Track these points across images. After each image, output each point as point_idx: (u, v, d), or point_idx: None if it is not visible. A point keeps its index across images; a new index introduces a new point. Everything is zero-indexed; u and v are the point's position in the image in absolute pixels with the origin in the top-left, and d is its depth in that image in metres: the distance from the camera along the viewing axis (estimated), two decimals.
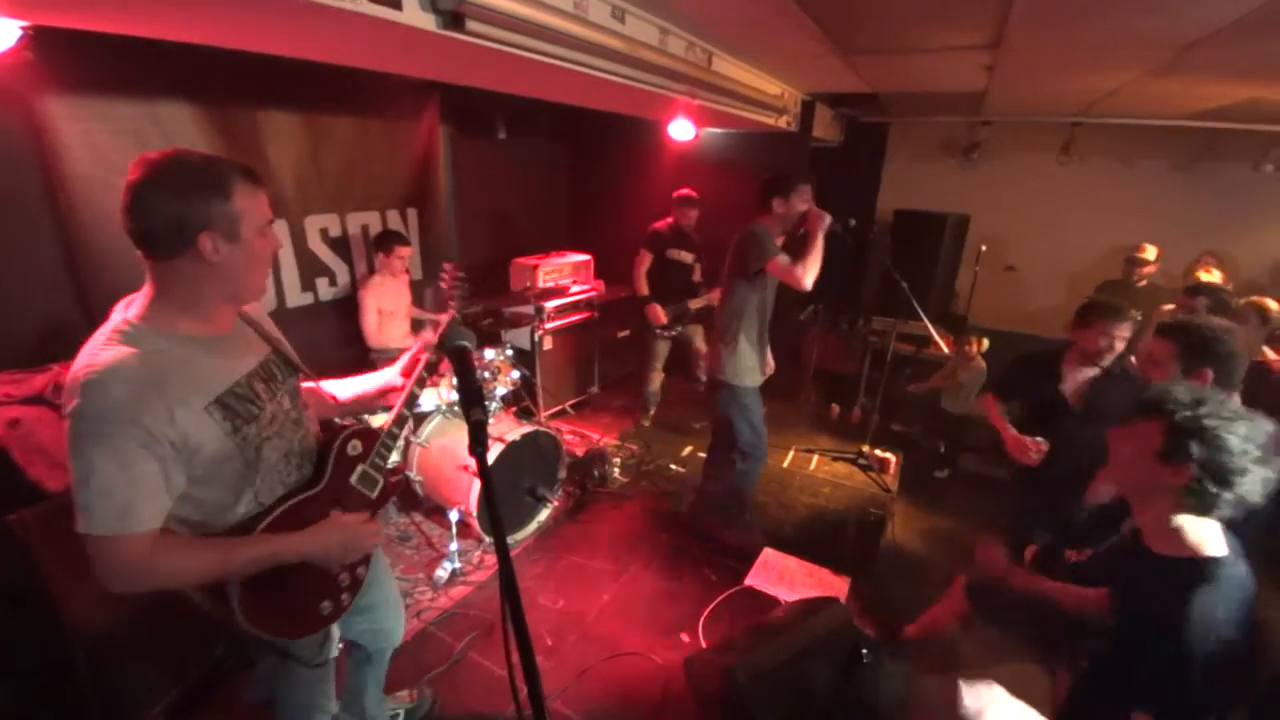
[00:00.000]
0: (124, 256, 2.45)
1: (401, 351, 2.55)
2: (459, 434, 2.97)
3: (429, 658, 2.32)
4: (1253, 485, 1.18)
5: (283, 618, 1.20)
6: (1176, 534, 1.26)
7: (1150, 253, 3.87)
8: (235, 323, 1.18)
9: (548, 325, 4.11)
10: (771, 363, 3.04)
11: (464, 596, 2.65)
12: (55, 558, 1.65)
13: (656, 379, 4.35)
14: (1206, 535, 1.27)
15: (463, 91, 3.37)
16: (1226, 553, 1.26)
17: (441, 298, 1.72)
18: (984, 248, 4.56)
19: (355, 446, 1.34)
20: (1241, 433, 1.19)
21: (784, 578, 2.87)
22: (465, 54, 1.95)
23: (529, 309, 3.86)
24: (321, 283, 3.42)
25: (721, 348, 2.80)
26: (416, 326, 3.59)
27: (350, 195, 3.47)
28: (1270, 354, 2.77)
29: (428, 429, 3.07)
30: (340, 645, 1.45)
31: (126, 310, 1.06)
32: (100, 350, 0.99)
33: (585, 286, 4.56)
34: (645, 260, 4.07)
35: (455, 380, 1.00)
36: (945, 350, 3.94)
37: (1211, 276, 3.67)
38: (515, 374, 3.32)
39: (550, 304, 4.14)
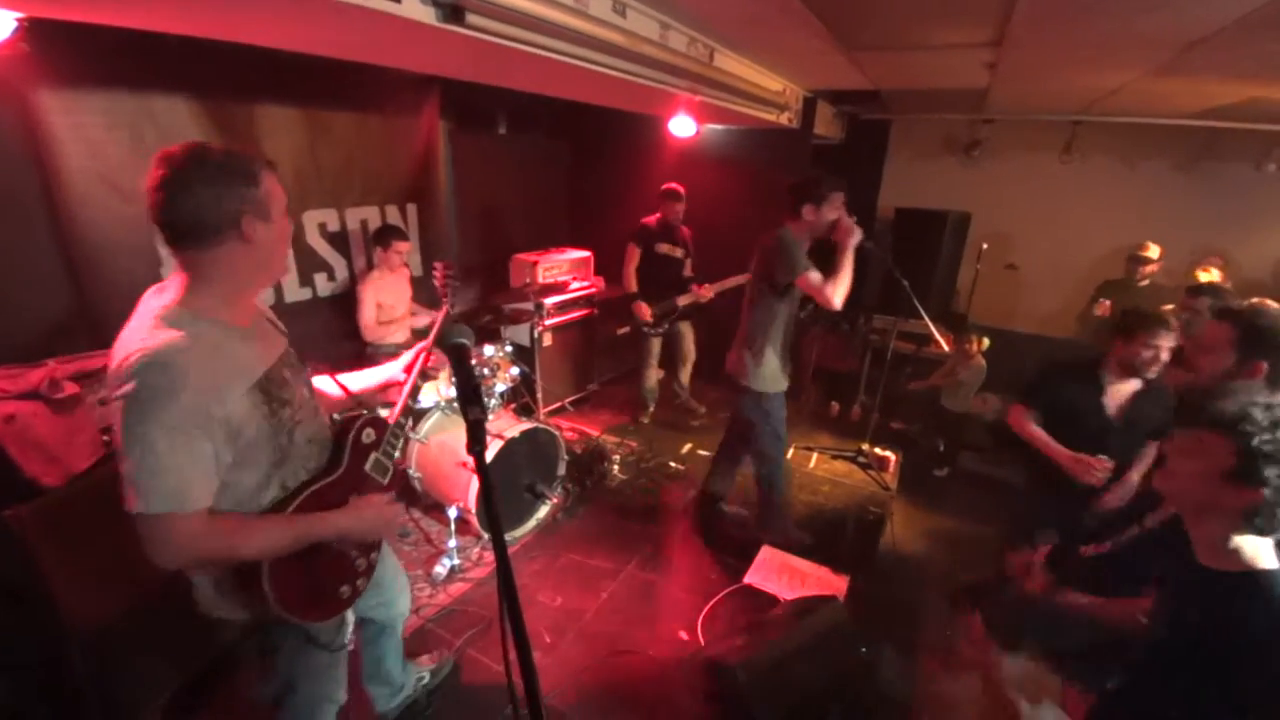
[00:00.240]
0: (120, 250, 2.46)
1: (399, 348, 2.58)
2: (458, 430, 2.96)
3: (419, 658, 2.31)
4: None
5: (306, 601, 1.23)
6: (1235, 553, 1.21)
7: (1153, 251, 3.86)
8: (255, 315, 1.23)
9: (547, 322, 4.10)
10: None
11: (463, 593, 2.65)
12: (52, 554, 1.65)
13: (653, 375, 4.34)
14: (1262, 550, 1.22)
15: (462, 86, 3.35)
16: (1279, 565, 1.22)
17: (435, 296, 1.76)
18: (985, 246, 4.55)
19: (369, 434, 1.39)
20: None
21: (783, 576, 2.87)
22: (465, 48, 1.93)
23: (528, 305, 3.85)
24: (320, 278, 3.40)
25: (747, 354, 2.74)
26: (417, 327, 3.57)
27: (349, 190, 3.45)
28: None
29: (427, 425, 3.06)
30: (352, 636, 1.49)
31: (161, 296, 1.08)
32: (149, 334, 1.01)
33: (585, 283, 4.55)
34: (634, 256, 4.05)
35: (453, 378, 1.00)
36: (945, 348, 3.93)
37: (1210, 276, 3.67)
38: (514, 370, 3.31)
39: (550, 300, 4.13)
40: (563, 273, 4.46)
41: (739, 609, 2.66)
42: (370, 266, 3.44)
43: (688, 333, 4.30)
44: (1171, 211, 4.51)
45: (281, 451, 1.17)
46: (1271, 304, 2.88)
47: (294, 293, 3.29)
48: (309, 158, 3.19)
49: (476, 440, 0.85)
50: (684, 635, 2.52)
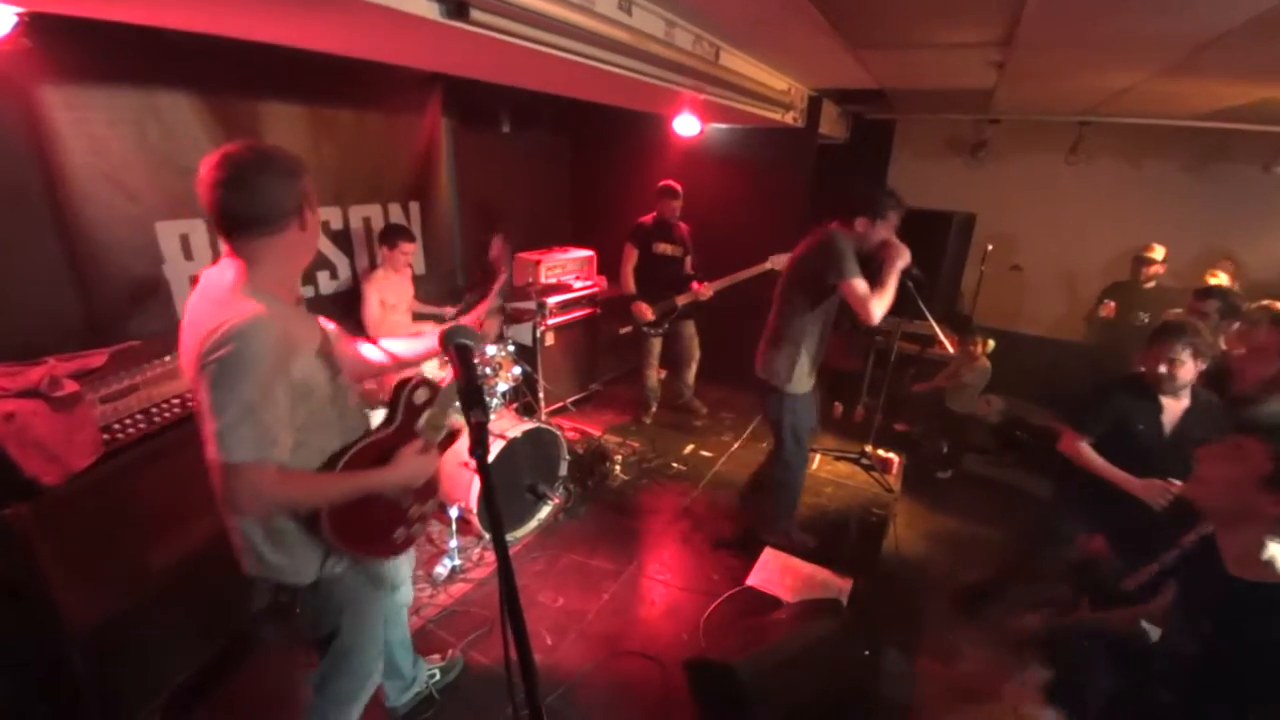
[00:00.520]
0: (122, 248, 2.45)
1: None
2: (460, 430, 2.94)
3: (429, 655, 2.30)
4: None
5: (363, 540, 1.39)
6: (1270, 564, 1.19)
7: (1158, 252, 3.84)
8: (298, 297, 1.39)
9: (550, 321, 4.09)
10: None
11: (464, 594, 2.64)
12: (51, 553, 1.64)
13: (654, 375, 4.32)
14: None
15: (466, 84, 3.34)
16: None
17: (491, 268, 1.89)
18: (990, 247, 4.52)
19: (421, 395, 1.51)
20: None
21: (785, 578, 2.85)
22: (469, 45, 1.92)
23: (531, 304, 3.84)
24: (322, 276, 3.39)
25: (777, 354, 2.67)
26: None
27: (352, 188, 3.44)
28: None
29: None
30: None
31: (223, 276, 1.20)
32: (234, 306, 1.12)
33: (588, 282, 4.53)
34: (631, 256, 4.02)
35: (458, 380, 1.01)
36: (950, 350, 3.90)
37: (1218, 279, 3.64)
38: (516, 370, 3.29)
39: (552, 300, 4.11)
40: (565, 272, 4.45)
41: (741, 611, 2.65)
42: (373, 265, 3.42)
43: (691, 332, 4.28)
44: (1178, 213, 4.48)
45: (341, 414, 1.34)
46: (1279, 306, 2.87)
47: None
48: (312, 155, 3.17)
49: (479, 443, 0.84)
50: (686, 637, 2.50)
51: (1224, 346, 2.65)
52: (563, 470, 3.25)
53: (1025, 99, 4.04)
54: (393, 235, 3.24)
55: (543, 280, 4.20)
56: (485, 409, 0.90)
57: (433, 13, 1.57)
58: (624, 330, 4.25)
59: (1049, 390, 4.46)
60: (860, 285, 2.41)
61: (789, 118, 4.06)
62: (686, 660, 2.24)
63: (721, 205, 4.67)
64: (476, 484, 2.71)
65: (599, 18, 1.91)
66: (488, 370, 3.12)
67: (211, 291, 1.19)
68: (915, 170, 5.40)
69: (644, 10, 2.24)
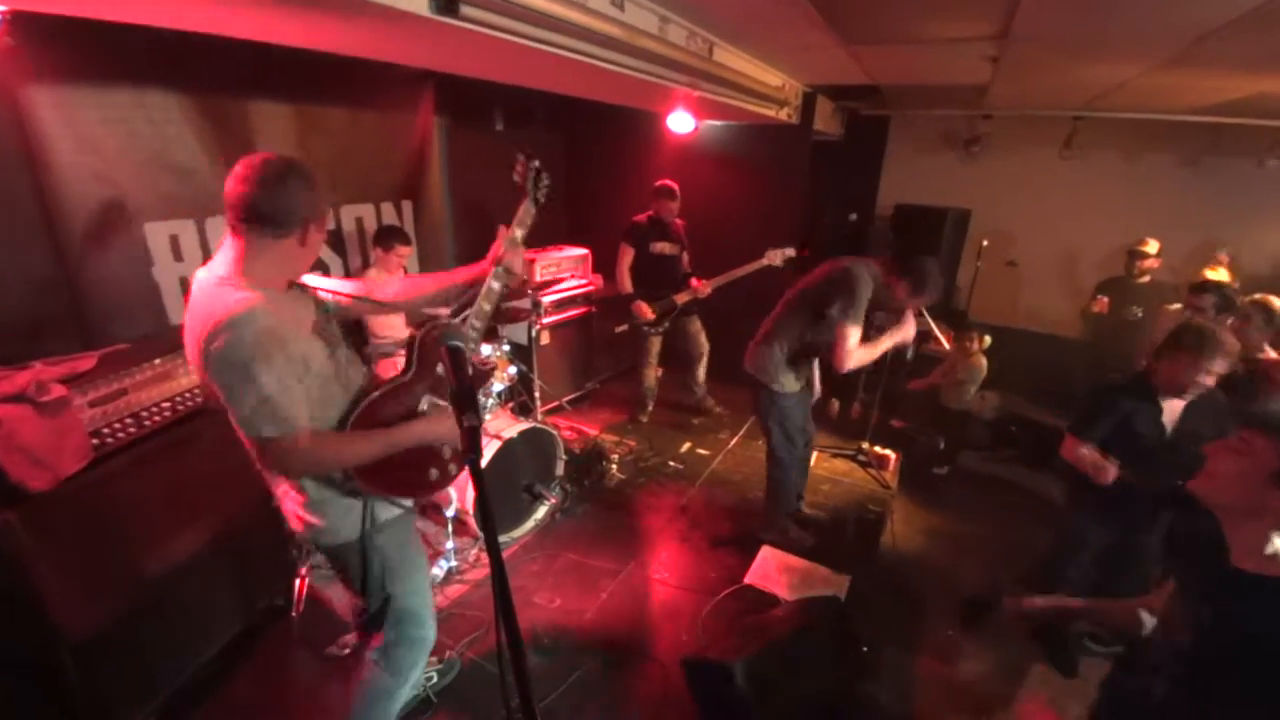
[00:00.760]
0: (111, 249, 2.42)
1: (398, 345, 2.62)
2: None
3: None
4: None
5: (395, 480, 1.47)
6: (1274, 558, 1.18)
7: (1152, 246, 3.84)
8: (285, 286, 1.41)
9: (545, 320, 4.07)
10: (818, 386, 3.00)
11: (460, 595, 2.62)
12: (41, 559, 1.62)
13: (652, 374, 4.31)
14: None
15: (458, 81, 3.30)
16: None
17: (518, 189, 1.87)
18: (986, 243, 4.52)
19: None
20: None
21: (783, 576, 2.84)
22: (460, 41, 1.89)
23: (526, 303, 3.82)
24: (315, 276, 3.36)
25: (768, 352, 2.70)
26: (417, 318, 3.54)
27: (343, 188, 3.41)
28: (1274, 353, 2.74)
29: None
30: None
31: (214, 271, 1.26)
32: (225, 297, 1.19)
33: (583, 281, 4.51)
34: (627, 255, 3.99)
35: (451, 382, 1.00)
36: (946, 347, 3.91)
37: (1217, 274, 3.64)
38: (512, 369, 3.27)
39: (547, 298, 4.09)
40: (560, 270, 4.42)
41: (739, 609, 2.64)
42: (366, 265, 3.39)
43: (697, 328, 4.26)
44: (1173, 207, 4.48)
45: (344, 388, 1.41)
46: (1275, 300, 2.88)
47: None
48: (302, 154, 3.13)
49: (470, 449, 0.82)
50: (683, 635, 2.49)
51: (1269, 353, 2.66)
52: (559, 470, 3.24)
53: (1020, 94, 4.03)
54: (388, 237, 3.19)
55: (537, 278, 4.18)
56: (478, 412, 0.88)
57: (422, 8, 1.55)
58: (620, 329, 4.23)
59: (1045, 386, 4.47)
60: (853, 334, 2.45)
61: (783, 114, 4.05)
62: (684, 659, 2.23)
63: (717, 202, 4.65)
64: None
65: (591, 13, 1.89)
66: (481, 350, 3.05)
67: (206, 285, 1.25)
68: (910, 166, 5.39)
69: (637, 6, 2.22)
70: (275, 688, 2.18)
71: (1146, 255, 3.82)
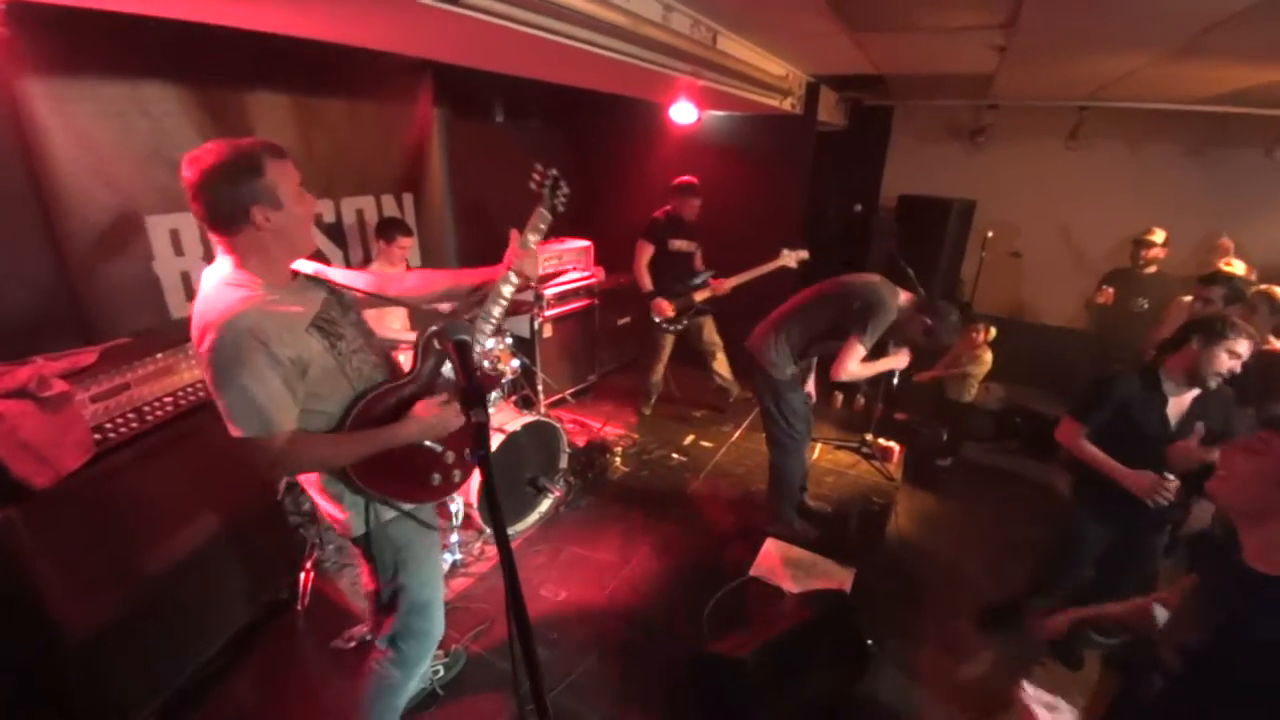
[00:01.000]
0: (110, 243, 2.40)
1: (400, 341, 2.61)
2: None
3: None
4: None
5: (396, 483, 1.45)
6: None
7: (1158, 235, 3.80)
8: (294, 277, 1.40)
9: (547, 313, 4.05)
10: (813, 392, 3.05)
11: (465, 589, 2.62)
12: (42, 557, 1.61)
13: (661, 370, 4.30)
14: None
15: (457, 72, 3.27)
16: None
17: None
18: (990, 234, 4.49)
19: (439, 343, 1.51)
20: None
21: (788, 569, 2.84)
22: (459, 29, 1.87)
23: (528, 296, 3.80)
24: None
25: (775, 337, 2.76)
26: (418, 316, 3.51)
27: (344, 180, 3.38)
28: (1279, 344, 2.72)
29: None
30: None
31: (217, 270, 1.26)
32: (219, 298, 1.21)
33: (585, 273, 4.48)
34: (646, 251, 3.94)
35: (459, 377, 0.99)
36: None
37: (1232, 268, 3.60)
38: (515, 362, 3.26)
39: (550, 291, 4.07)
40: (562, 263, 4.40)
41: (744, 602, 2.64)
42: (368, 258, 3.37)
43: (709, 325, 4.24)
44: (1180, 198, 4.44)
45: (350, 382, 1.38)
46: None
47: None
48: (302, 147, 3.11)
49: (480, 444, 0.81)
50: (689, 629, 2.49)
51: (1274, 343, 2.63)
52: (563, 463, 3.23)
53: (1026, 84, 3.98)
54: (390, 229, 3.16)
55: (540, 271, 4.15)
56: (486, 409, 0.87)
57: None
58: (622, 321, 4.21)
59: (1049, 377, 4.45)
60: (860, 351, 2.54)
61: (787, 104, 4.01)
62: (690, 652, 2.23)
63: (720, 194, 4.60)
64: (477, 478, 2.68)
65: (595, 0, 1.86)
66: (486, 364, 3.07)
67: (207, 286, 1.26)
68: (914, 156, 5.34)
69: None
70: (279, 684, 2.18)
71: (1152, 244, 3.79)
